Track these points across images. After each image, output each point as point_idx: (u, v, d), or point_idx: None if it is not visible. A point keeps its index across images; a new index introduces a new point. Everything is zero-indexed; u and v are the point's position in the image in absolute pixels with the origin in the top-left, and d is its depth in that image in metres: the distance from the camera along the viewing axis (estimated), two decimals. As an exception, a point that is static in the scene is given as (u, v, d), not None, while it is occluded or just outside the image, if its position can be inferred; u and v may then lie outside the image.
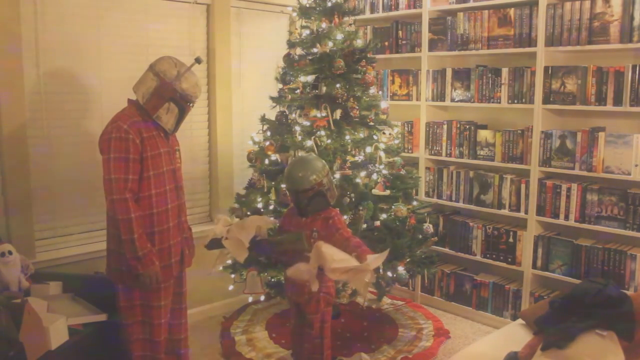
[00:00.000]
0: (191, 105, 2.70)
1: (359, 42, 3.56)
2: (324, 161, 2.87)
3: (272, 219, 3.00)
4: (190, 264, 2.87)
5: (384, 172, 3.43)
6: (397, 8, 4.28)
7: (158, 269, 2.53)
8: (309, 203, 2.76)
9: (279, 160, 3.48)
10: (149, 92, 2.57)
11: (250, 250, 2.75)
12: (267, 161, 3.52)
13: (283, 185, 3.36)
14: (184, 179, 2.84)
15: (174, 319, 2.79)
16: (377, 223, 3.36)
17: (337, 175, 3.26)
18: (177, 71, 2.59)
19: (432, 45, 4.09)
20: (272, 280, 3.54)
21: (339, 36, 3.46)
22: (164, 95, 2.57)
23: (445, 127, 4.07)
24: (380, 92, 3.68)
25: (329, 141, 3.26)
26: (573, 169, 3.44)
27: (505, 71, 3.71)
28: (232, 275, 3.62)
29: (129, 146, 2.46)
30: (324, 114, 3.36)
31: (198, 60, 2.72)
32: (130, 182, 2.46)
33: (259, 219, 2.87)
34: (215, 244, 2.81)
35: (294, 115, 3.53)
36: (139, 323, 2.62)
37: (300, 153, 3.36)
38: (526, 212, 3.68)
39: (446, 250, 4.12)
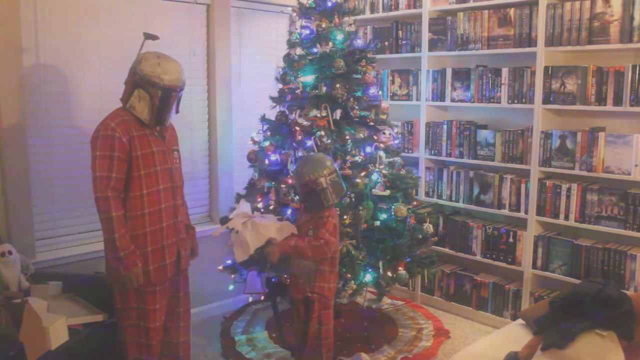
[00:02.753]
0: (161, 90, 2.51)
1: (359, 42, 3.56)
2: (329, 163, 2.83)
3: (293, 227, 2.88)
4: (187, 265, 2.83)
5: (384, 172, 3.43)
6: (397, 8, 4.28)
7: (140, 270, 2.49)
8: (305, 199, 2.79)
9: (279, 160, 3.48)
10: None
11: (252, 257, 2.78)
12: (267, 161, 3.51)
13: (283, 185, 3.36)
14: (184, 179, 2.83)
15: (171, 322, 2.76)
16: (377, 223, 3.36)
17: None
18: (141, 55, 2.57)
19: (432, 45, 4.09)
20: (273, 280, 3.53)
21: (339, 36, 3.46)
22: (129, 81, 2.56)
23: (445, 127, 4.07)
24: (380, 92, 3.68)
25: (329, 141, 3.26)
26: (573, 169, 3.44)
27: (505, 71, 3.71)
28: (232, 276, 3.62)
29: (114, 144, 2.44)
30: (324, 114, 3.36)
31: (146, 36, 2.68)
32: (114, 180, 2.44)
33: (277, 229, 2.79)
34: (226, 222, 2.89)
35: (294, 115, 3.53)
36: (135, 326, 2.60)
37: (300, 153, 3.36)
38: (526, 212, 3.68)
39: (446, 250, 4.12)
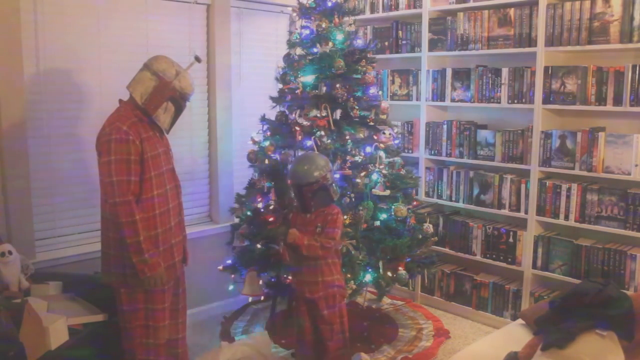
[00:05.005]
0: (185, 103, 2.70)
1: (359, 42, 3.56)
2: (327, 158, 2.89)
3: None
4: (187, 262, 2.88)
5: (384, 172, 3.43)
6: (397, 8, 4.28)
7: (163, 270, 2.52)
8: (312, 197, 2.78)
9: (279, 160, 3.47)
10: (147, 92, 2.55)
11: None
12: (267, 161, 3.51)
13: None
14: (183, 179, 2.85)
15: (171, 318, 2.77)
16: (377, 223, 3.36)
17: (337, 175, 3.26)
18: (176, 70, 2.59)
19: (432, 45, 4.09)
20: (272, 280, 3.54)
21: (339, 36, 3.46)
22: (165, 95, 2.56)
23: (445, 127, 4.07)
24: (380, 92, 3.68)
25: (329, 141, 3.26)
26: (573, 169, 3.44)
27: (505, 71, 3.71)
28: (232, 276, 3.62)
29: (129, 148, 2.44)
30: (324, 114, 3.36)
31: (198, 59, 2.72)
32: (133, 184, 2.44)
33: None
34: None
35: (294, 115, 3.53)
36: (142, 326, 2.60)
37: (300, 153, 3.36)
38: (526, 212, 3.68)
39: (446, 250, 4.12)
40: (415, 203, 3.69)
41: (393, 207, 3.39)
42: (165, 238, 2.59)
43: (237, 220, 3.73)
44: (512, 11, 3.65)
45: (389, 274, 3.34)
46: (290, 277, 3.16)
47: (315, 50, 3.49)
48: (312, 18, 3.55)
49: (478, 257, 3.95)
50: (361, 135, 3.45)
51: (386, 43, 4.38)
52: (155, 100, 2.56)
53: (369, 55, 3.58)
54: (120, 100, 2.65)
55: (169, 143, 2.79)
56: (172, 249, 2.64)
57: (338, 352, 2.83)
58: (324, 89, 3.40)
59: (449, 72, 4.01)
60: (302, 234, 2.73)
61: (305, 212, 2.83)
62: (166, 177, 2.62)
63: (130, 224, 2.41)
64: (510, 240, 3.78)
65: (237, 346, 3.15)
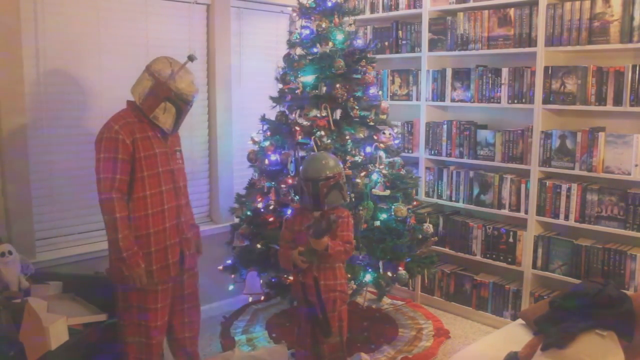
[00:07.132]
0: (189, 105, 2.69)
1: (359, 42, 3.56)
2: (337, 158, 2.89)
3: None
4: (193, 264, 2.86)
5: (384, 172, 3.43)
6: (397, 8, 4.29)
7: (143, 271, 2.52)
8: (328, 193, 2.73)
9: (279, 160, 3.48)
10: (144, 93, 2.58)
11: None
12: (267, 161, 3.51)
13: (283, 185, 3.36)
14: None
15: (175, 319, 2.79)
16: (377, 223, 3.36)
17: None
18: (171, 70, 2.60)
19: (432, 45, 4.10)
20: (273, 280, 3.54)
21: (339, 36, 3.46)
22: (160, 95, 2.58)
23: (445, 127, 4.07)
24: (380, 92, 3.68)
25: (329, 141, 3.26)
26: (573, 169, 3.44)
27: (505, 71, 3.71)
28: (232, 276, 3.62)
29: (117, 146, 2.48)
30: (324, 114, 3.36)
31: (191, 58, 2.71)
32: (118, 181, 2.47)
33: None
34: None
35: (294, 115, 3.53)
36: (135, 325, 2.62)
37: (301, 153, 3.36)
38: (526, 212, 3.68)
39: (446, 250, 4.12)
40: (415, 203, 3.69)
41: (393, 207, 3.38)
42: (158, 239, 2.59)
43: (237, 220, 3.73)
44: (512, 11, 3.65)
45: (389, 274, 3.34)
46: (291, 278, 3.16)
47: (315, 50, 3.49)
48: (312, 18, 3.55)
49: (478, 257, 3.95)
50: (361, 135, 3.44)
51: (386, 43, 4.38)
52: (150, 101, 2.58)
53: (369, 55, 3.58)
54: (127, 101, 2.69)
55: (178, 144, 2.80)
56: (167, 251, 2.64)
57: (332, 356, 2.83)
58: (324, 89, 3.40)
59: (449, 72, 4.01)
60: (334, 243, 2.68)
61: (316, 209, 2.78)
62: (163, 177, 2.62)
63: (111, 221, 2.46)
64: (510, 240, 3.78)
65: (247, 357, 3.13)
